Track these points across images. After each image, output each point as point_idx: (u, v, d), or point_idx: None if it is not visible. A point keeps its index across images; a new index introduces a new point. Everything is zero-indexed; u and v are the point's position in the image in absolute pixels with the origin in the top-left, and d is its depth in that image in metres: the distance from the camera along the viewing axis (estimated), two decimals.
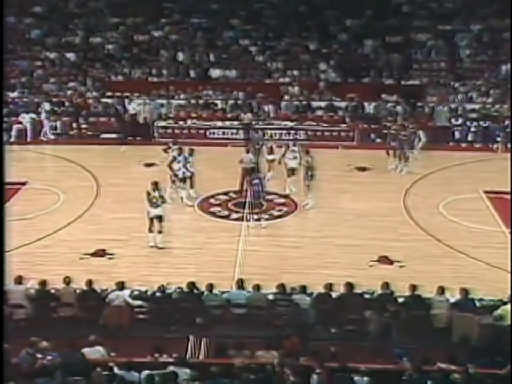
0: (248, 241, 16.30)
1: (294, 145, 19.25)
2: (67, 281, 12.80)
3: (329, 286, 12.70)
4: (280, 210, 18.22)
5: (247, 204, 17.47)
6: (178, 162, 18.24)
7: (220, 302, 12.73)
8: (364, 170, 21.61)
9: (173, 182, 18.30)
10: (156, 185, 15.82)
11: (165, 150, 19.60)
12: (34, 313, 12.53)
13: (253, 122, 24.83)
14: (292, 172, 18.90)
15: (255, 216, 17.23)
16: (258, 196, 17.43)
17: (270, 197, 18.41)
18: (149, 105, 25.64)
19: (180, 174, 18.21)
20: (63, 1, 30.72)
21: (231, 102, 26.47)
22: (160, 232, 15.75)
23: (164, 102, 26.22)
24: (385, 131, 22.36)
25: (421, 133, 22.78)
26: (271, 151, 19.78)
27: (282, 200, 18.69)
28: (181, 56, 28.86)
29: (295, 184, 18.83)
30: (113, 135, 24.89)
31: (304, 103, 26.51)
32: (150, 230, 15.74)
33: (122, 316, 12.45)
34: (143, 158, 22.43)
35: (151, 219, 15.70)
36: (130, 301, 12.64)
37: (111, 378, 9.91)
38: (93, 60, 28.82)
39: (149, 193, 15.67)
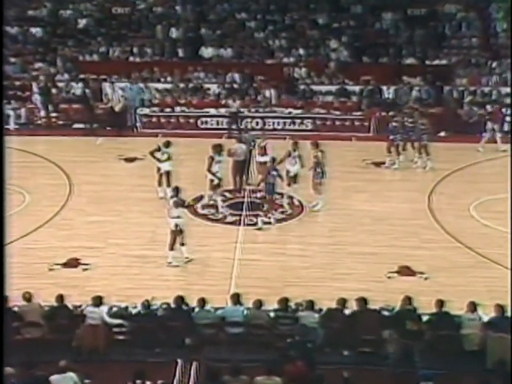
0: (245, 248, 16.33)
1: (294, 150, 18.54)
2: (27, 297, 12.76)
3: (342, 302, 12.72)
4: (283, 212, 18.25)
5: (245, 203, 17.58)
6: (217, 163, 18.02)
7: (213, 320, 12.76)
8: (381, 166, 21.64)
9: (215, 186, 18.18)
10: (176, 191, 15.78)
11: (152, 153, 18.63)
12: None
13: (244, 110, 24.75)
14: (293, 179, 18.48)
15: (257, 218, 17.40)
16: (272, 190, 17.48)
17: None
18: (130, 90, 25.67)
19: (218, 177, 18.06)
20: None
21: (226, 85, 26.50)
22: (183, 244, 15.68)
23: (148, 85, 26.23)
24: (394, 121, 21.90)
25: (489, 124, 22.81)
26: (264, 152, 18.97)
27: (285, 201, 18.69)
28: (167, 33, 28.89)
29: (296, 191, 18.71)
30: (88, 125, 24.90)
31: (311, 87, 26.55)
32: (172, 248, 15.60)
33: (99, 337, 12.47)
34: (123, 152, 22.46)
35: (175, 233, 15.58)
36: (108, 319, 12.67)
37: None
38: (63, 37, 28.86)
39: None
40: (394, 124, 21.75)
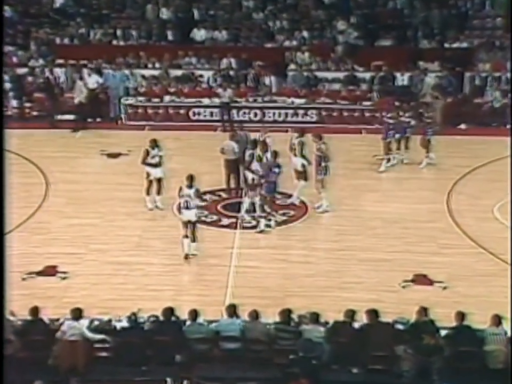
0: (243, 254, 16.38)
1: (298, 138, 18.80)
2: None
3: (350, 314, 12.77)
4: (285, 214, 18.32)
5: (245, 202, 17.73)
6: (261, 161, 17.95)
7: (206, 334, 12.79)
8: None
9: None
10: (190, 180, 15.88)
11: (144, 162, 18.08)
12: None
13: (240, 100, 24.81)
14: (302, 175, 18.57)
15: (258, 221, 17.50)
16: (273, 189, 17.56)
17: None
18: (113, 77, 25.73)
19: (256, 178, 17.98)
20: None
21: (221, 72, 26.54)
22: (194, 241, 16.04)
23: (133, 72, 26.27)
24: (388, 117, 21.72)
25: None
26: (265, 148, 18.79)
27: (287, 201, 18.75)
28: (155, 13, 28.92)
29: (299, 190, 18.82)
30: (67, 116, 24.93)
31: (316, 73, 26.60)
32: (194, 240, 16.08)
33: (79, 354, 12.49)
34: (105, 147, 22.53)
35: (186, 224, 15.95)
36: (89, 334, 12.69)
37: None
38: (37, 17, 28.87)
39: (180, 189, 15.93)
40: (390, 119, 21.32)
